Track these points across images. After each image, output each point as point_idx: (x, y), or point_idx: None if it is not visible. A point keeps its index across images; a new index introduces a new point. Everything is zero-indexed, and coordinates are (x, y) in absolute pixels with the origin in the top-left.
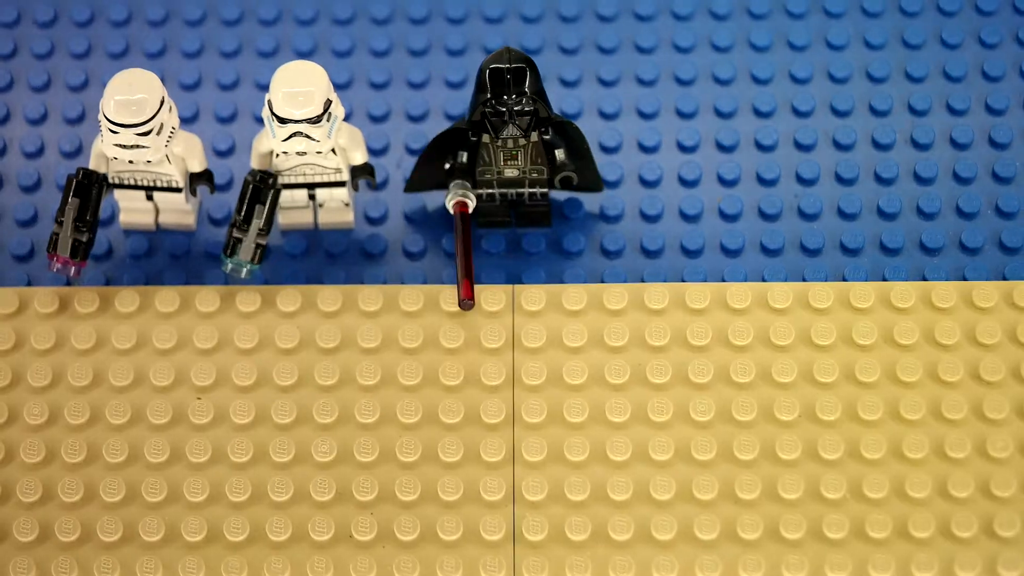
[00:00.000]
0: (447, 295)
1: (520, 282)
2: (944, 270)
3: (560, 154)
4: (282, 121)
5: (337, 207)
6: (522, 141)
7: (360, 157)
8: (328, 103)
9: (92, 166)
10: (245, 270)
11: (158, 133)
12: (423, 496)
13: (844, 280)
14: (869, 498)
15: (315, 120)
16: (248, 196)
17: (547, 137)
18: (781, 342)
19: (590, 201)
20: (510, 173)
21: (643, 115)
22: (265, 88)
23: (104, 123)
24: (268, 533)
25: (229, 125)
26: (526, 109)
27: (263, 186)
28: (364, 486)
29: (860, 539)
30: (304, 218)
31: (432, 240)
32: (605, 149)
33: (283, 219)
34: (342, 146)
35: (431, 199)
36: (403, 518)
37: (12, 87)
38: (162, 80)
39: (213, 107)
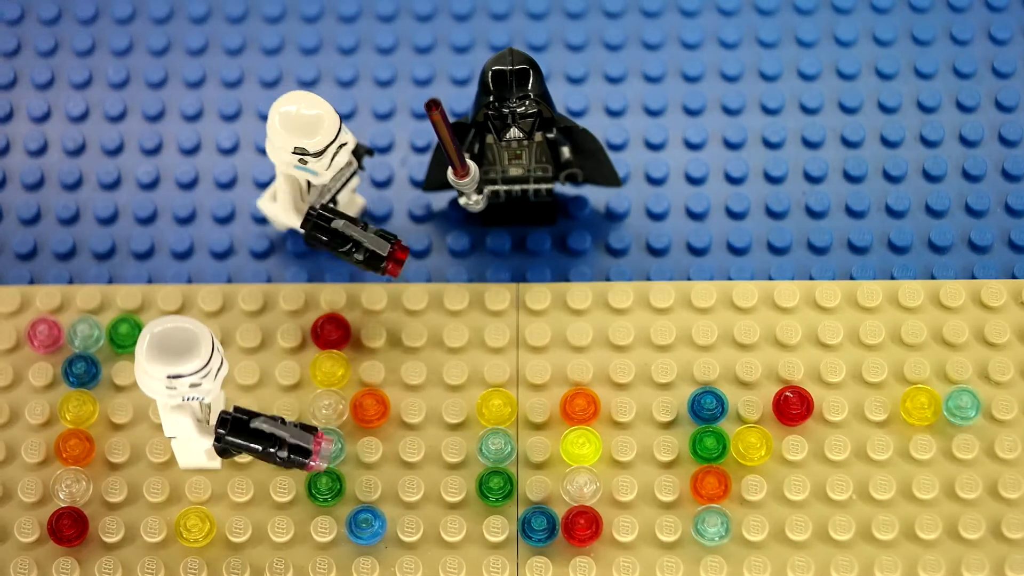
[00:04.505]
0: (451, 294)
1: (525, 280)
2: (953, 268)
3: (565, 151)
4: (320, 153)
5: (348, 199)
6: (526, 141)
7: (353, 138)
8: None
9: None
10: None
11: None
12: (426, 497)
13: (852, 278)
14: (876, 499)
15: (339, 130)
16: (329, 230)
17: (551, 136)
18: (788, 341)
19: (595, 199)
20: (515, 172)
21: (650, 112)
22: (269, 85)
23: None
24: (270, 534)
25: (233, 123)
26: (529, 112)
27: (315, 222)
28: (367, 487)
29: (867, 541)
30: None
31: (437, 239)
32: (611, 146)
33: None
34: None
35: (436, 199)
36: (406, 519)
37: (15, 84)
38: (165, 77)
39: (217, 105)
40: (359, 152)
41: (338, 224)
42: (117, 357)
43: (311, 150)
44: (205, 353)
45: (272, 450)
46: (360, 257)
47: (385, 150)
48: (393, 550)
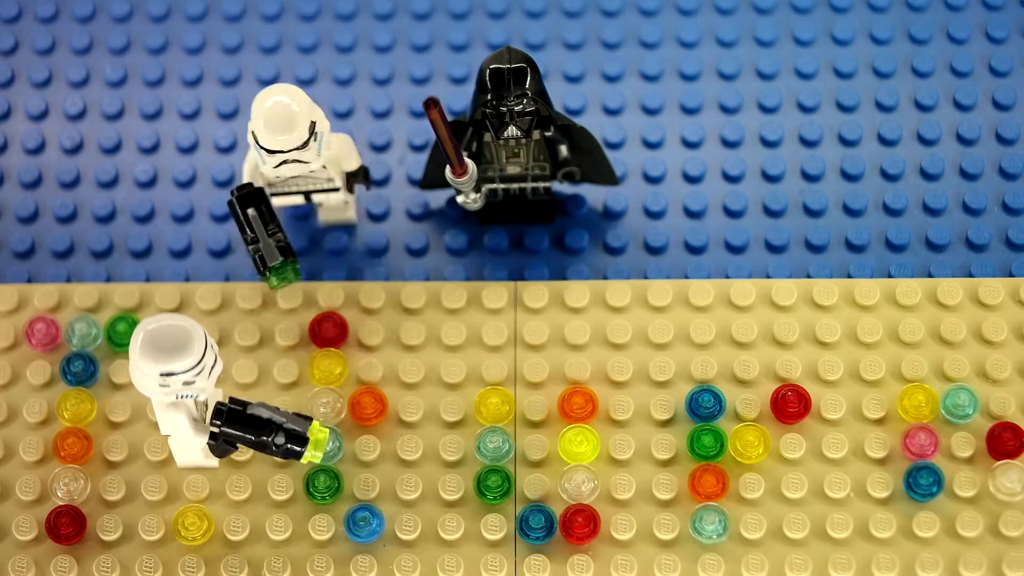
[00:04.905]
0: (449, 292)
1: (522, 279)
2: (950, 266)
3: (563, 150)
4: (270, 152)
5: (337, 205)
6: (524, 139)
7: (353, 163)
8: (312, 124)
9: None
10: (289, 271)
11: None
12: (424, 495)
13: (849, 277)
14: (873, 497)
15: (302, 146)
16: (239, 213)
17: (549, 134)
18: (785, 339)
19: (593, 197)
20: (512, 170)
21: (647, 111)
22: (267, 83)
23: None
24: (269, 532)
25: (231, 121)
26: (527, 110)
27: (245, 195)
28: (365, 485)
29: (864, 538)
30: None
31: (435, 237)
32: (609, 145)
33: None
34: (332, 156)
35: (434, 197)
36: (405, 517)
37: (13, 83)
38: (163, 76)
39: (215, 103)
40: (353, 176)
41: (249, 216)
42: (115, 355)
43: (260, 142)
44: (198, 350)
45: (268, 438)
46: (253, 250)
47: (383, 148)
48: (391, 548)
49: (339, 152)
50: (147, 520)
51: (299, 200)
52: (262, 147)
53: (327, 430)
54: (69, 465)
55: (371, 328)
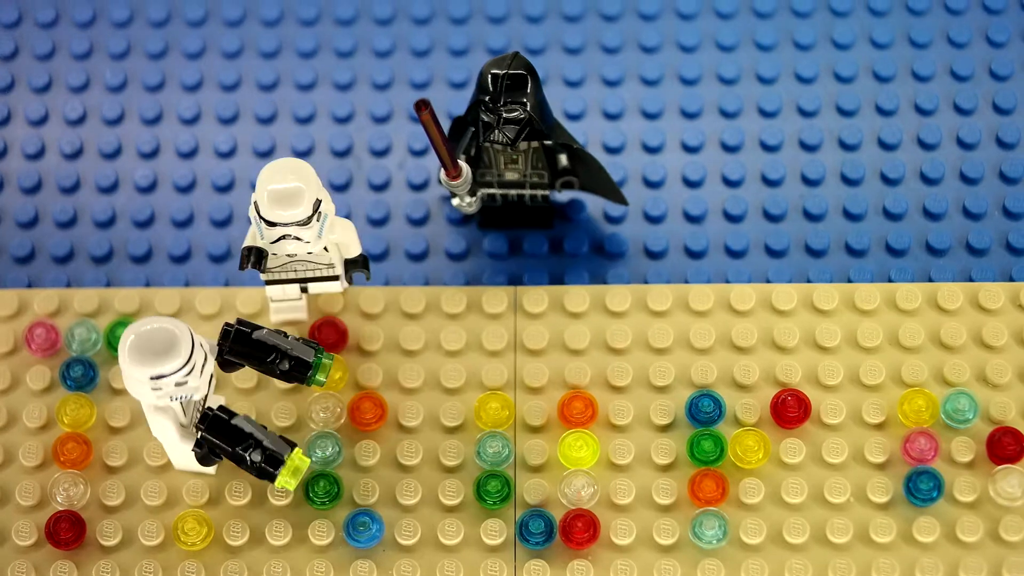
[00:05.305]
0: (448, 297)
1: (522, 284)
2: (950, 271)
3: (563, 159)
4: (270, 224)
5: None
6: (523, 146)
7: (354, 250)
8: (317, 203)
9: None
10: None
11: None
12: (424, 500)
13: (849, 281)
14: (873, 503)
15: (304, 222)
16: (245, 344)
17: (548, 143)
18: (785, 344)
19: (592, 202)
20: (510, 176)
21: (647, 115)
22: (266, 88)
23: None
24: (268, 537)
25: (231, 126)
26: (518, 118)
27: (243, 328)
28: (365, 490)
29: (864, 544)
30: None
31: (434, 242)
32: (609, 150)
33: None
34: (335, 241)
35: (433, 202)
36: (404, 522)
37: (13, 88)
38: (163, 81)
39: (215, 108)
40: (353, 264)
41: (259, 334)
42: (115, 360)
43: (261, 212)
44: (185, 351)
45: (244, 453)
46: (285, 367)
47: (383, 153)
48: (391, 553)
49: (342, 237)
50: (147, 525)
51: (295, 291)
52: (263, 218)
53: (308, 460)
54: (69, 470)
55: (371, 333)
